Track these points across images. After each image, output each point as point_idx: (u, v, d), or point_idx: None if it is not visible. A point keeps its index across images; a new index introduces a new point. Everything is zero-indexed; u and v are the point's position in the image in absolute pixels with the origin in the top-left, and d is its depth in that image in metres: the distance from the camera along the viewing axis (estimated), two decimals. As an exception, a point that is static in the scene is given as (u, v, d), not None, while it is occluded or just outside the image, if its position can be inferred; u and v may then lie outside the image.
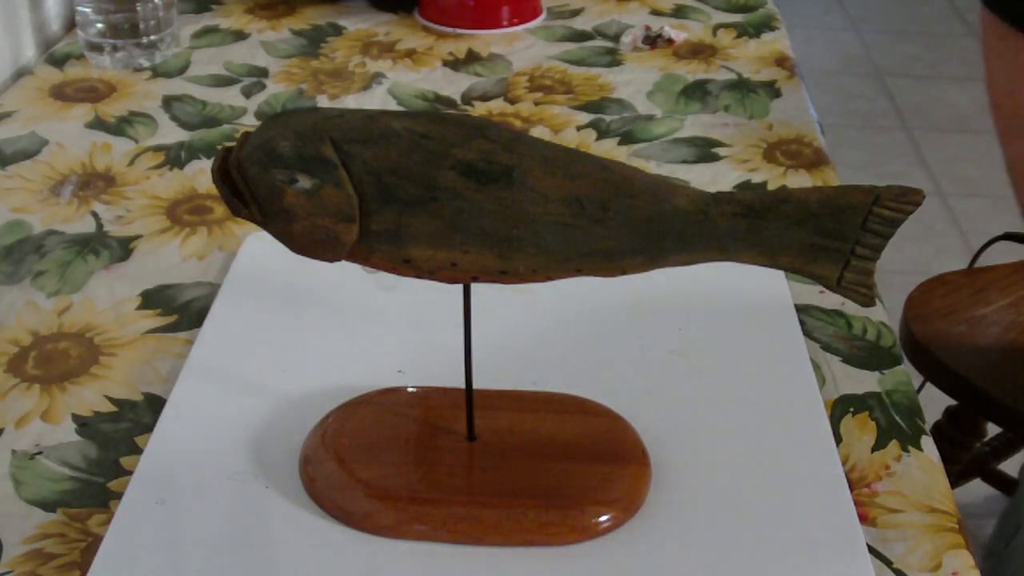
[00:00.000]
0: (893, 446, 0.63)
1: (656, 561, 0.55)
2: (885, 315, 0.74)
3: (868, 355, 0.70)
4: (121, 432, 0.63)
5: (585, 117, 0.98)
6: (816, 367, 0.68)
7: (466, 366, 0.58)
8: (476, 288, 0.55)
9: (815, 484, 0.59)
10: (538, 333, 0.70)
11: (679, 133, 0.95)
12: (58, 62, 1.06)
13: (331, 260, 0.52)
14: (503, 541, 0.55)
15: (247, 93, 1.01)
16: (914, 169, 2.54)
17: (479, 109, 1.00)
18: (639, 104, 1.00)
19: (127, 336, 0.70)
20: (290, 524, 0.56)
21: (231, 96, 1.01)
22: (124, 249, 0.79)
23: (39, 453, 0.61)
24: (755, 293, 0.73)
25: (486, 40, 1.13)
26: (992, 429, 1.42)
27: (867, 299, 0.53)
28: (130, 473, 0.60)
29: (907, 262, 2.15)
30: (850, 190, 0.51)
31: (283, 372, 0.66)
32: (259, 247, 0.77)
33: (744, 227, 0.51)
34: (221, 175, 0.51)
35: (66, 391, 0.66)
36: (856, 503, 0.59)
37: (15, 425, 0.63)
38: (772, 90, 1.03)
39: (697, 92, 1.03)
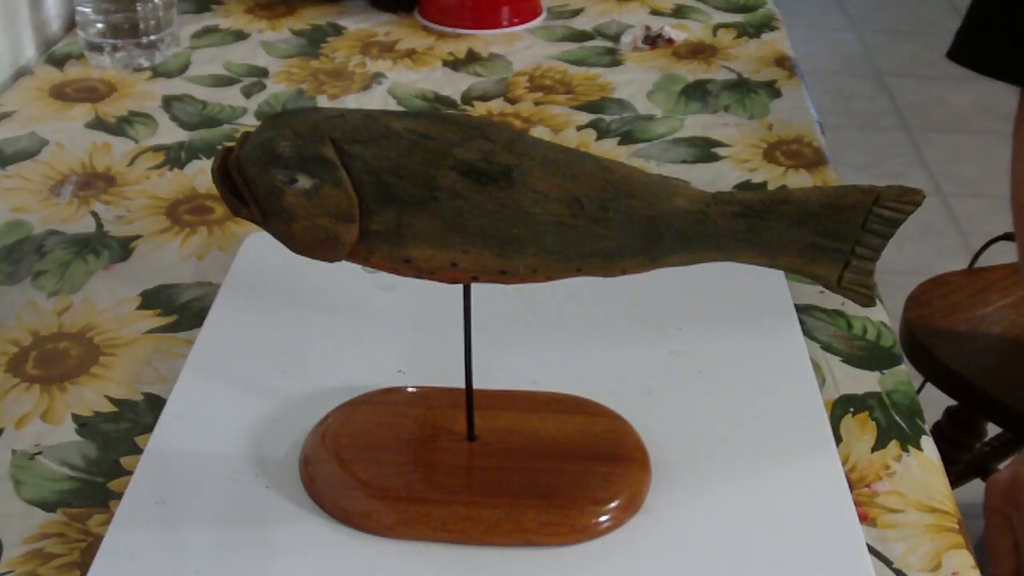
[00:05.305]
0: (893, 446, 0.63)
1: (656, 561, 0.55)
2: (885, 315, 0.74)
3: (868, 355, 0.70)
4: (121, 432, 0.63)
5: (585, 117, 0.98)
6: (816, 367, 0.68)
7: (466, 366, 0.58)
8: (476, 288, 0.55)
9: (815, 484, 0.59)
10: (538, 333, 0.70)
11: (679, 133, 0.95)
12: (58, 62, 1.06)
13: (331, 260, 0.52)
14: (503, 541, 0.55)
15: (247, 93, 1.01)
16: (914, 169, 2.54)
17: (479, 109, 1.00)
18: (639, 104, 1.00)
19: (127, 336, 0.70)
20: (290, 524, 0.56)
21: (231, 96, 1.01)
22: (124, 249, 0.79)
23: (39, 453, 0.61)
24: (755, 293, 0.73)
25: (486, 40, 1.13)
26: (992, 429, 1.42)
27: (867, 299, 0.53)
28: (130, 473, 0.60)
29: (907, 262, 2.15)
30: (850, 190, 0.51)
31: (283, 372, 0.66)
32: (259, 247, 0.77)
33: (744, 227, 0.51)
34: (221, 175, 0.51)
35: (66, 391, 0.66)
36: (856, 503, 0.59)
37: (15, 425, 0.63)
38: (772, 90, 1.03)
39: (697, 92, 1.03)
